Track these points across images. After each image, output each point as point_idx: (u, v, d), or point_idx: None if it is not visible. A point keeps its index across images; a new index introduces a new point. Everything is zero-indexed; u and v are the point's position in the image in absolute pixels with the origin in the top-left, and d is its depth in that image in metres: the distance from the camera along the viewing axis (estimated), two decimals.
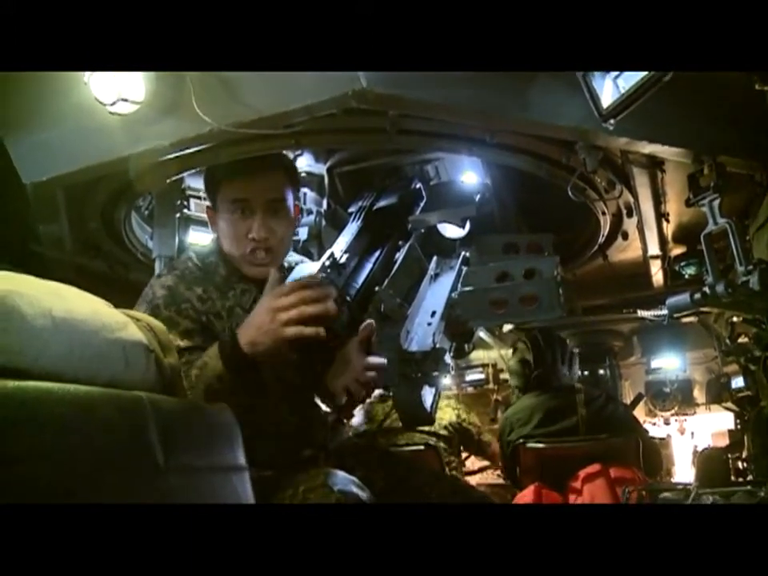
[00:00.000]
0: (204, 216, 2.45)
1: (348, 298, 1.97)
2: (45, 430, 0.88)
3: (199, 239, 3.30)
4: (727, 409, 4.48)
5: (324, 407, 1.94)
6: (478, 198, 2.61)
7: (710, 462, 3.80)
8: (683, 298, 2.55)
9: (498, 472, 4.99)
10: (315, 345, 1.85)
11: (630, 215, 3.23)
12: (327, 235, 3.28)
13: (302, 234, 3.26)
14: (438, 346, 1.95)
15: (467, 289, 2.17)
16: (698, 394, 5.80)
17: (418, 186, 2.65)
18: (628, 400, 5.45)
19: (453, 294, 2.17)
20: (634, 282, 4.06)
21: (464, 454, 4.91)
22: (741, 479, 3.51)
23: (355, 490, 1.98)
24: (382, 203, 2.48)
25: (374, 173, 3.22)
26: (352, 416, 1.99)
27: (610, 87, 1.91)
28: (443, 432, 4.47)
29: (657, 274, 3.81)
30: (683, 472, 5.38)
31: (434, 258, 2.42)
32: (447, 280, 2.29)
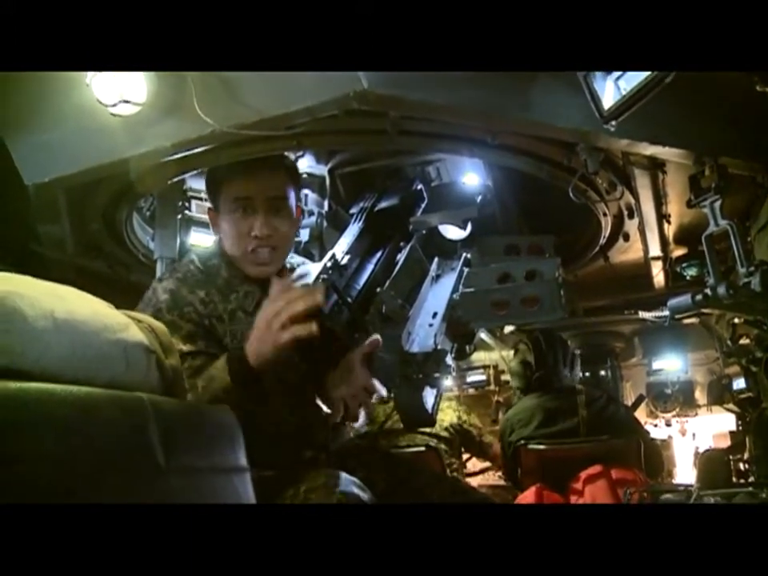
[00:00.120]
0: (205, 217, 2.45)
1: (349, 299, 1.98)
2: (46, 431, 0.88)
3: (200, 240, 3.30)
4: (729, 410, 4.48)
5: (325, 408, 1.94)
6: (479, 199, 2.61)
7: (711, 464, 3.79)
8: (684, 299, 2.55)
9: (499, 473, 4.98)
10: (317, 346, 1.85)
11: (631, 216, 3.23)
12: (328, 236, 3.28)
13: (304, 235, 3.26)
14: (439, 347, 1.95)
15: (468, 290, 2.17)
16: (700, 396, 5.80)
17: (419, 187, 2.66)
18: (629, 401, 5.45)
19: (454, 296, 2.17)
20: (635, 283, 4.06)
21: (465, 456, 4.91)
22: (742, 481, 3.50)
23: (356, 491, 1.98)
24: (383, 204, 2.48)
25: (375, 174, 3.23)
26: (357, 419, 1.99)
27: (611, 89, 1.91)
28: (444, 433, 4.48)
29: (658, 276, 3.81)
30: (684, 473, 5.38)
31: (436, 260, 2.42)
32: (448, 281, 2.30)
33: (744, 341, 3.31)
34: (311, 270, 1.91)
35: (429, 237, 2.56)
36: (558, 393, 4.14)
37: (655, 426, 5.78)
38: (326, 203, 3.44)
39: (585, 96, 1.96)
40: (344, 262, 2.06)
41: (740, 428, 4.12)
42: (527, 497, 3.78)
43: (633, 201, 3.07)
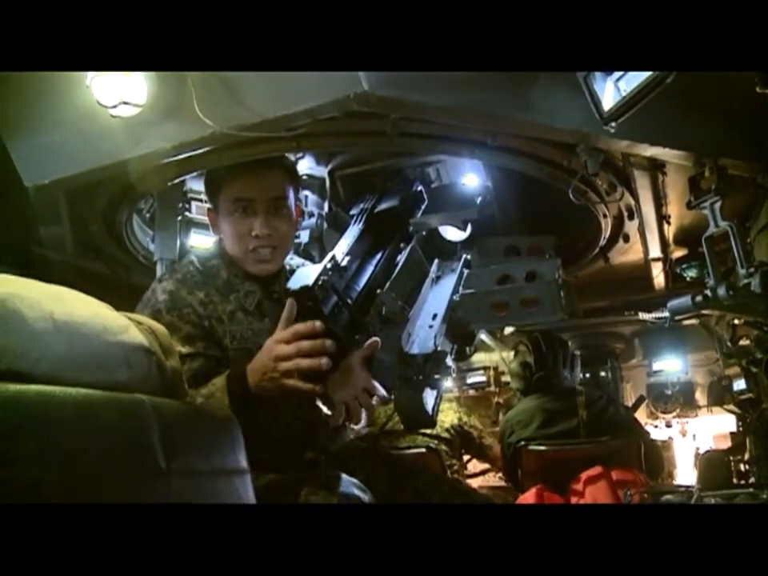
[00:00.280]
0: (205, 219, 2.45)
1: (349, 301, 1.97)
2: (46, 433, 0.88)
3: (200, 242, 3.29)
4: (729, 411, 4.47)
5: (325, 410, 1.94)
6: (479, 200, 2.61)
7: (711, 465, 3.79)
8: (684, 300, 2.55)
9: (500, 475, 4.98)
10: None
11: (631, 218, 3.22)
12: (328, 238, 3.27)
13: (304, 236, 3.26)
14: (439, 348, 1.96)
15: (468, 291, 2.17)
16: (700, 397, 5.79)
17: (419, 188, 2.66)
18: (629, 402, 5.44)
19: (454, 297, 2.18)
20: (635, 284, 4.06)
21: (465, 457, 4.91)
22: (743, 482, 3.50)
23: (357, 492, 1.98)
24: (383, 206, 2.48)
25: (375, 175, 3.22)
26: (359, 421, 1.99)
27: (611, 90, 1.91)
28: (445, 435, 4.47)
29: (658, 277, 3.81)
30: (685, 474, 5.37)
31: (436, 261, 2.42)
32: (448, 282, 2.30)
33: (744, 342, 3.31)
34: (311, 271, 1.91)
35: (429, 238, 2.57)
36: (558, 394, 4.13)
37: (655, 427, 5.77)
38: (326, 205, 3.43)
39: (585, 97, 1.95)
40: (344, 263, 2.06)
41: (740, 429, 4.11)
42: (528, 498, 3.78)
43: (633, 202, 3.07)
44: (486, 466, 5.08)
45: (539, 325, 4.22)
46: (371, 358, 1.91)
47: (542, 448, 3.94)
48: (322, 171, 3.41)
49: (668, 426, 5.87)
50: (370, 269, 2.21)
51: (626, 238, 3.49)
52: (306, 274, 1.91)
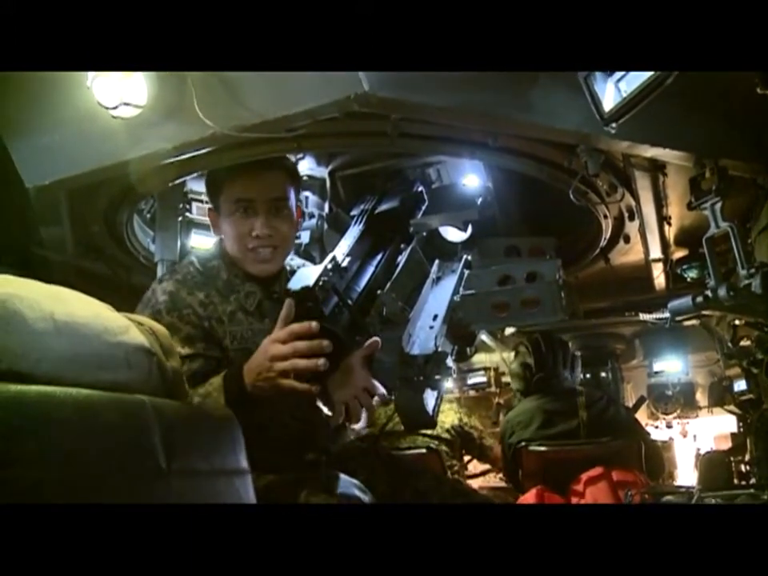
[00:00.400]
0: (206, 219, 2.46)
1: (350, 302, 1.97)
2: (47, 433, 0.88)
3: (201, 243, 3.29)
4: (730, 412, 4.47)
5: (326, 410, 1.94)
6: (479, 201, 2.61)
7: (712, 465, 3.79)
8: (685, 301, 2.55)
9: (500, 475, 4.98)
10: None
11: (631, 218, 3.22)
12: (329, 239, 3.27)
13: (304, 237, 3.26)
14: (440, 349, 1.96)
15: (469, 292, 2.17)
16: (701, 397, 5.79)
17: (419, 189, 2.66)
18: (630, 403, 5.44)
19: (455, 297, 2.18)
20: (635, 285, 4.05)
21: (466, 458, 4.91)
22: (744, 482, 3.50)
23: (357, 493, 1.98)
24: (383, 206, 2.48)
25: (375, 176, 3.22)
26: (358, 420, 1.99)
27: (611, 91, 1.91)
28: (445, 435, 4.47)
29: (659, 277, 3.81)
30: (686, 475, 5.37)
31: (436, 262, 2.42)
32: (449, 283, 2.29)
33: (745, 342, 3.31)
34: (312, 272, 1.91)
35: (429, 239, 2.56)
36: (559, 395, 4.14)
37: (656, 427, 5.77)
38: (326, 205, 3.43)
39: (585, 98, 1.96)
40: (344, 264, 2.06)
41: (741, 430, 4.11)
42: (528, 499, 3.78)
43: (633, 203, 3.07)
44: (487, 466, 5.08)
45: (540, 325, 4.22)
46: (372, 358, 1.91)
47: (543, 449, 3.94)
48: (323, 172, 3.41)
49: (669, 426, 5.87)
50: (370, 269, 2.21)
51: (627, 239, 3.49)
52: (306, 274, 1.91)
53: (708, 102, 2.29)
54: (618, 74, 1.89)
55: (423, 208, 2.59)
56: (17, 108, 2.36)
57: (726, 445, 4.38)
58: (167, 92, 2.20)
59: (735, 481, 3.57)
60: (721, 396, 4.69)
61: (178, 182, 2.84)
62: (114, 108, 2.16)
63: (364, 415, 1.97)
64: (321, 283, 1.87)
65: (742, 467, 3.64)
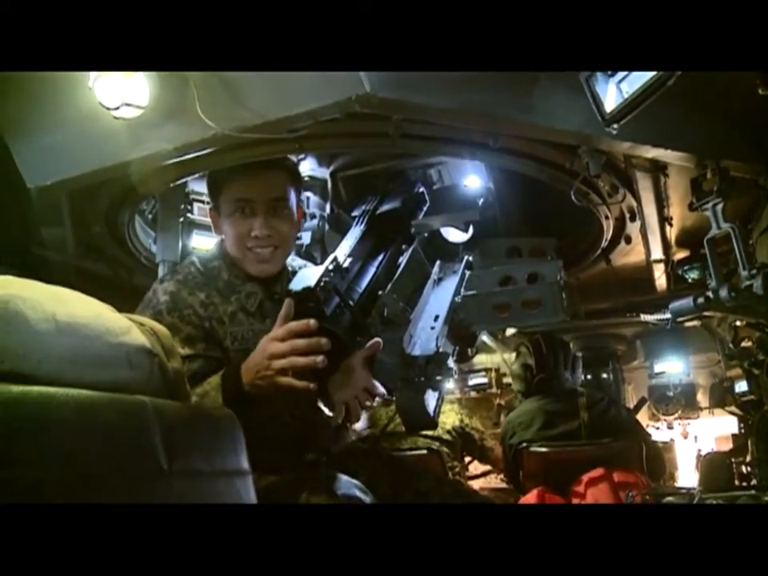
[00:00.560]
0: (208, 220, 2.46)
1: (351, 302, 1.98)
2: (48, 434, 0.88)
3: (203, 243, 3.30)
4: (731, 413, 4.47)
5: (327, 411, 1.94)
6: (480, 202, 2.61)
7: (713, 467, 3.79)
8: (686, 302, 2.55)
9: (501, 476, 4.98)
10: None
11: (633, 219, 3.22)
12: (330, 239, 3.28)
13: (305, 238, 3.26)
14: (441, 350, 1.95)
15: (470, 293, 2.17)
16: (702, 398, 5.79)
17: (421, 190, 2.66)
18: (631, 404, 5.43)
19: (456, 298, 2.18)
20: (637, 285, 4.05)
21: (467, 459, 4.91)
22: (745, 484, 3.50)
23: (358, 494, 1.98)
24: (385, 207, 2.48)
25: (377, 177, 3.22)
26: (357, 420, 1.99)
27: (613, 91, 1.91)
28: (446, 436, 4.47)
29: (660, 278, 3.81)
30: (686, 476, 5.37)
31: (437, 262, 2.42)
32: (450, 284, 2.29)
33: (746, 343, 3.31)
34: (313, 272, 1.91)
35: (430, 239, 2.56)
36: (560, 396, 4.13)
37: (657, 428, 5.77)
38: (327, 206, 3.44)
39: (586, 99, 1.96)
40: (346, 264, 2.06)
41: (742, 431, 4.11)
42: (529, 500, 3.78)
43: (635, 204, 3.07)
44: (488, 467, 5.08)
45: (541, 326, 4.22)
46: (373, 359, 1.91)
47: (544, 450, 3.94)
48: (324, 173, 3.41)
49: (669, 427, 5.87)
50: (371, 270, 2.21)
51: (628, 240, 3.49)
52: (308, 275, 1.91)
53: (709, 103, 2.29)
54: (620, 75, 1.90)
55: (424, 209, 2.59)
56: (18, 108, 2.36)
57: (727, 446, 4.38)
58: (169, 93, 2.21)
59: (736, 482, 3.56)
60: (722, 397, 4.69)
61: (179, 182, 2.84)
62: (116, 108, 2.16)
63: (364, 416, 1.98)
64: (322, 284, 1.87)
65: (743, 468, 3.63)
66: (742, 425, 4.16)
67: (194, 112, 2.14)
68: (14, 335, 0.90)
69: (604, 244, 3.56)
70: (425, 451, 4.24)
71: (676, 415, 5.83)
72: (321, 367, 1.77)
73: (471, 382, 6.28)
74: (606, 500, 3.52)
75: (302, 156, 3.10)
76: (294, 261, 2.43)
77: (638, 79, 1.82)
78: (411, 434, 4.09)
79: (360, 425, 4.12)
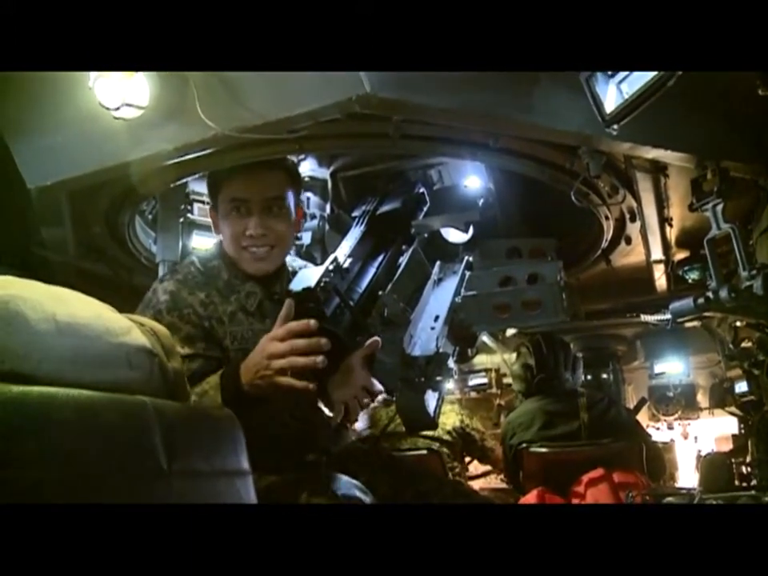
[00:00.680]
0: (208, 220, 2.46)
1: (351, 303, 1.98)
2: (48, 434, 0.88)
3: (203, 244, 3.30)
4: (731, 413, 4.46)
5: (327, 411, 1.94)
6: (480, 202, 2.61)
7: (713, 467, 3.78)
8: (686, 302, 2.55)
9: (501, 476, 4.98)
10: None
11: (633, 220, 3.22)
12: (330, 240, 3.28)
13: (306, 238, 3.26)
14: (441, 350, 1.95)
15: (470, 293, 2.17)
16: (702, 399, 5.79)
17: (421, 190, 2.65)
18: (631, 404, 5.43)
19: (456, 299, 2.17)
20: (637, 286, 4.05)
21: (466, 459, 4.90)
22: (745, 484, 3.49)
23: (358, 494, 1.98)
24: (385, 208, 2.48)
25: (377, 177, 3.22)
26: (356, 420, 1.99)
27: (613, 92, 1.91)
28: (447, 437, 4.47)
29: (660, 279, 3.80)
30: (687, 477, 5.36)
31: (438, 263, 2.42)
32: (450, 284, 2.29)
33: (746, 344, 3.31)
34: (313, 273, 1.91)
35: (431, 240, 2.56)
36: (560, 396, 4.13)
37: (657, 429, 5.77)
38: (327, 206, 3.44)
39: (587, 99, 1.96)
40: (346, 265, 2.06)
41: (742, 431, 4.11)
42: (529, 500, 3.77)
43: (635, 204, 3.07)
44: (488, 467, 5.08)
45: (541, 327, 4.22)
46: (372, 358, 1.91)
47: (544, 450, 3.94)
48: (324, 173, 3.41)
49: (670, 428, 5.87)
50: (372, 271, 2.21)
51: (628, 241, 3.49)
52: (308, 275, 1.91)
53: (709, 103, 2.29)
54: (620, 76, 1.90)
55: (425, 209, 2.59)
56: (18, 108, 2.36)
57: (727, 446, 4.37)
58: (169, 93, 2.21)
59: (736, 483, 3.56)
60: (722, 397, 4.69)
61: (179, 182, 2.84)
62: (116, 109, 2.16)
63: (364, 416, 1.98)
64: (322, 284, 1.87)
65: (743, 469, 3.63)
66: (742, 425, 4.15)
67: (194, 112, 2.14)
68: (15, 335, 0.90)
69: (604, 244, 3.56)
70: (425, 452, 4.24)
71: (676, 416, 5.83)
72: (320, 367, 1.77)
73: (471, 383, 6.28)
74: (605, 500, 3.52)
75: (302, 156, 3.10)
76: (294, 261, 2.43)
77: (638, 80, 1.82)
78: (411, 435, 4.09)
79: (360, 425, 4.12)
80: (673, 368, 5.67)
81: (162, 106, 2.22)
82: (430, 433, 4.17)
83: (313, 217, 3.35)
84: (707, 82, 2.07)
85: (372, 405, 3.18)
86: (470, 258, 2.48)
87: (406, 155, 3.15)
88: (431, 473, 2.80)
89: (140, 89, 2.16)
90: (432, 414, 1.96)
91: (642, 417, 5.08)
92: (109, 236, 3.29)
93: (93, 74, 2.13)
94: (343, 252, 2.13)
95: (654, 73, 1.75)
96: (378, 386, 1.93)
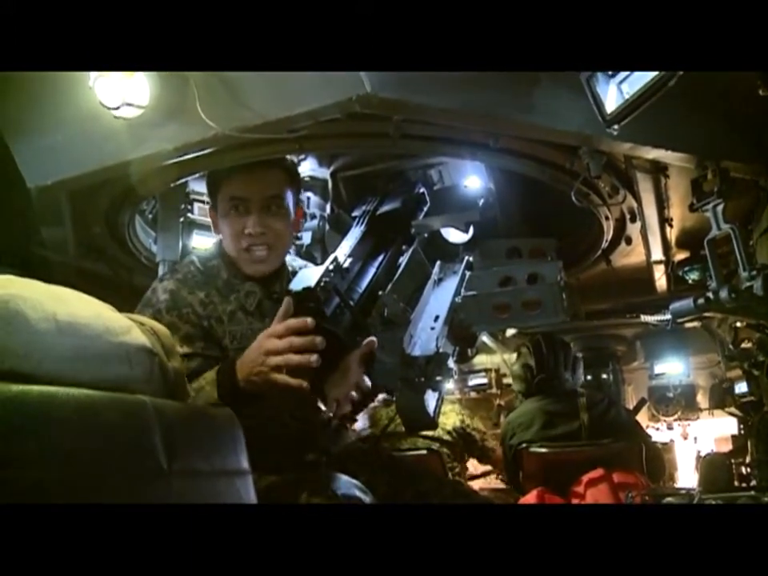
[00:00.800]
0: (208, 220, 2.46)
1: (351, 303, 1.98)
2: (48, 433, 0.88)
3: (203, 243, 3.30)
4: (731, 414, 4.46)
5: (322, 407, 1.94)
6: (481, 202, 2.61)
7: (713, 468, 3.78)
8: (686, 302, 2.55)
9: (501, 477, 4.98)
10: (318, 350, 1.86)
11: (633, 220, 3.22)
12: (331, 240, 3.28)
13: (306, 238, 3.26)
14: (441, 350, 1.95)
15: (470, 293, 2.17)
16: (701, 399, 5.79)
17: (421, 190, 2.65)
18: (631, 405, 5.43)
19: (456, 299, 2.17)
20: (637, 286, 4.05)
21: (467, 459, 4.90)
22: (744, 485, 3.49)
23: (358, 494, 1.98)
24: (385, 208, 2.48)
25: (377, 177, 3.22)
26: (355, 420, 1.99)
27: (614, 92, 1.91)
28: (447, 437, 4.47)
29: (660, 279, 3.80)
30: (686, 477, 5.36)
31: (438, 263, 2.42)
32: (450, 284, 2.29)
33: (746, 344, 3.31)
34: (314, 272, 1.91)
35: (431, 240, 2.56)
36: (560, 396, 4.13)
37: (657, 429, 5.77)
38: (328, 206, 3.44)
39: (587, 99, 1.96)
40: (346, 265, 2.06)
41: (742, 432, 4.11)
42: (529, 500, 3.78)
43: (635, 204, 3.07)
44: (488, 468, 5.07)
45: (541, 327, 4.22)
46: (369, 357, 1.91)
47: (543, 450, 3.94)
48: (325, 173, 3.41)
49: (669, 428, 5.87)
50: (372, 271, 2.21)
51: (629, 241, 3.48)
52: (308, 275, 1.91)
53: (709, 103, 2.29)
54: (621, 76, 1.90)
55: (425, 209, 2.59)
56: (18, 108, 2.36)
57: (727, 447, 4.37)
58: (169, 92, 2.21)
59: (736, 483, 3.56)
60: (722, 398, 4.69)
61: (179, 182, 2.84)
62: (116, 108, 2.16)
63: (364, 416, 1.98)
64: (322, 284, 1.87)
65: (743, 469, 3.63)
66: (741, 426, 4.15)
67: (195, 112, 2.14)
68: (15, 335, 0.90)
69: (604, 245, 3.56)
70: (425, 452, 4.23)
71: (676, 416, 5.82)
72: (315, 366, 1.76)
73: (471, 383, 6.28)
74: (605, 501, 3.52)
75: (302, 156, 3.10)
76: (294, 261, 2.43)
77: (638, 80, 1.82)
78: (411, 435, 4.09)
79: (360, 425, 4.12)
80: (673, 368, 5.67)
81: (162, 106, 2.22)
82: (430, 433, 4.17)
83: (313, 217, 3.35)
84: (707, 81, 2.07)
85: (372, 405, 3.18)
86: (470, 258, 2.47)
87: (406, 155, 3.15)
88: (431, 473, 2.80)
89: (140, 88, 2.16)
90: (432, 413, 1.95)
91: (642, 417, 5.08)
92: (109, 236, 3.29)
93: (93, 74, 2.13)
94: (343, 252, 2.13)
95: (655, 73, 1.75)
96: (368, 384, 1.93)
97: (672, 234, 3.32)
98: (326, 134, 2.49)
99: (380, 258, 2.28)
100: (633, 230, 3.36)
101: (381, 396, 3.23)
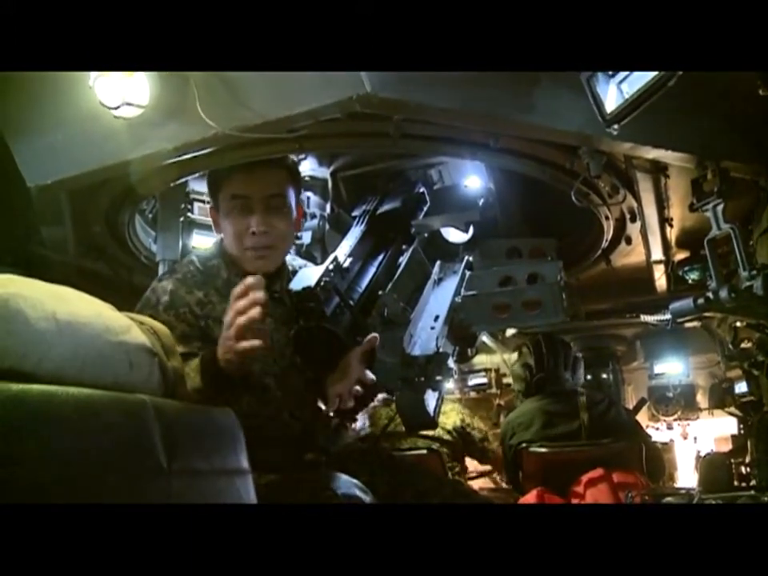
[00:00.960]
0: (208, 220, 2.46)
1: (351, 302, 1.98)
2: (48, 432, 0.88)
3: (203, 243, 3.29)
4: (730, 414, 4.46)
5: (321, 405, 1.94)
6: (481, 202, 2.61)
7: (712, 467, 3.78)
8: (686, 302, 2.55)
9: (500, 477, 4.98)
10: (318, 349, 1.86)
11: (633, 220, 3.22)
12: (331, 239, 3.28)
13: (306, 237, 3.26)
14: (441, 350, 1.96)
15: (470, 293, 2.17)
16: (701, 399, 5.79)
17: (421, 190, 2.66)
18: (631, 405, 5.43)
19: (456, 299, 2.18)
20: (637, 286, 4.05)
21: (467, 459, 4.90)
22: (744, 484, 3.49)
23: (358, 493, 1.98)
24: (385, 207, 2.48)
25: (377, 177, 3.22)
26: (354, 420, 1.99)
27: (614, 92, 1.91)
28: (447, 437, 4.46)
29: (660, 279, 3.80)
30: (686, 477, 5.36)
31: (438, 263, 2.42)
32: (450, 284, 2.30)
33: (746, 344, 3.31)
34: (314, 272, 1.91)
35: (431, 240, 2.57)
36: (560, 396, 4.13)
37: (657, 429, 5.76)
38: (328, 206, 3.44)
39: (587, 99, 1.96)
40: (346, 264, 2.06)
41: (741, 432, 4.10)
42: (528, 500, 3.78)
43: (635, 204, 3.07)
44: (488, 467, 5.07)
45: (541, 327, 4.22)
46: (370, 354, 1.91)
47: (543, 450, 3.94)
48: (325, 172, 3.41)
49: (669, 428, 5.86)
50: (372, 270, 2.21)
51: (629, 241, 3.48)
52: (308, 275, 1.91)
53: (709, 103, 2.29)
54: (620, 76, 1.90)
55: (425, 209, 2.59)
56: (19, 108, 2.36)
57: (727, 447, 4.37)
58: (169, 92, 2.21)
59: (735, 483, 3.56)
60: (721, 398, 4.68)
61: (179, 182, 2.84)
62: (116, 108, 2.16)
63: (364, 416, 1.98)
64: (322, 283, 1.88)
65: (743, 469, 3.62)
66: (741, 426, 4.15)
67: (195, 111, 2.14)
68: (15, 334, 0.90)
69: (604, 245, 3.56)
70: (424, 451, 4.23)
71: (675, 416, 5.82)
72: (259, 318, 1.70)
73: (471, 383, 6.27)
74: (605, 500, 3.52)
75: (302, 156, 3.10)
76: (294, 260, 2.43)
77: (638, 80, 1.82)
78: (411, 434, 4.09)
79: (360, 425, 4.12)
80: (672, 368, 5.67)
81: (162, 105, 2.22)
82: (429, 432, 4.17)
83: (313, 216, 3.35)
84: (707, 81, 2.07)
85: (372, 404, 3.18)
86: (470, 258, 2.48)
87: (407, 155, 3.15)
88: (431, 472, 2.80)
89: (140, 88, 2.16)
90: (432, 413, 1.96)
91: (642, 417, 5.08)
92: (109, 235, 3.30)
93: (93, 73, 2.13)
94: (343, 251, 2.13)
95: (655, 73, 1.75)
96: (371, 376, 1.91)
97: (672, 233, 3.32)
98: (326, 133, 2.49)
99: (380, 258, 2.28)
100: (633, 229, 3.36)
101: (381, 396, 3.23)
